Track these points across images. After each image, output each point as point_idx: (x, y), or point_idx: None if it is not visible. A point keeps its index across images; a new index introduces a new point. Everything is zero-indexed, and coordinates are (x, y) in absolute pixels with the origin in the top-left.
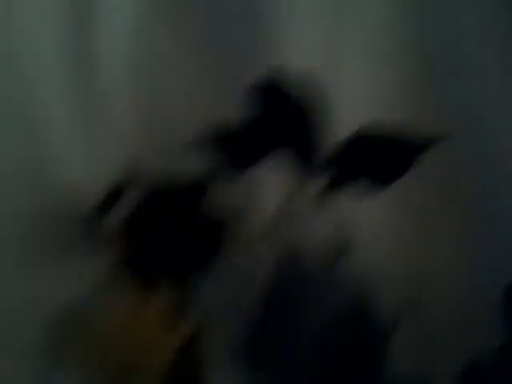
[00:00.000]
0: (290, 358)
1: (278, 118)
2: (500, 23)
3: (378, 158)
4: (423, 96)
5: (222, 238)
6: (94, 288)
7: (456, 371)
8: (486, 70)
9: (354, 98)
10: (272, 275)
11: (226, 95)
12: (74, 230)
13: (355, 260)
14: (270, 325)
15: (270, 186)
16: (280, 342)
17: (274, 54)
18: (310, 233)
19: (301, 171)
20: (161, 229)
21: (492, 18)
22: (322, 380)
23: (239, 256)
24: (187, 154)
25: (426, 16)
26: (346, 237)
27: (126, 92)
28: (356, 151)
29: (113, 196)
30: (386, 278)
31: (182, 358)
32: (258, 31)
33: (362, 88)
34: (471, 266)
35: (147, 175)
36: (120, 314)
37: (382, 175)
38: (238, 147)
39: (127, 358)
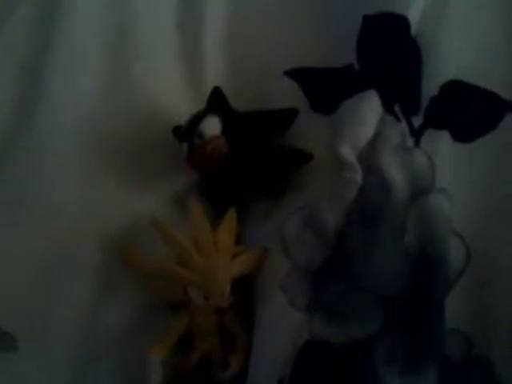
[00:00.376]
0: (364, 274)
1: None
2: None
3: (469, 109)
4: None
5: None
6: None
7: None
8: None
9: (457, 48)
10: (360, 197)
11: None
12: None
13: (439, 197)
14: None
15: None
16: (358, 259)
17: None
18: (397, 168)
19: (401, 110)
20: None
21: None
22: (386, 305)
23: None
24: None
25: None
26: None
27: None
28: (449, 99)
29: (194, 122)
30: (460, 228)
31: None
32: None
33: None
34: None
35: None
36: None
37: (472, 127)
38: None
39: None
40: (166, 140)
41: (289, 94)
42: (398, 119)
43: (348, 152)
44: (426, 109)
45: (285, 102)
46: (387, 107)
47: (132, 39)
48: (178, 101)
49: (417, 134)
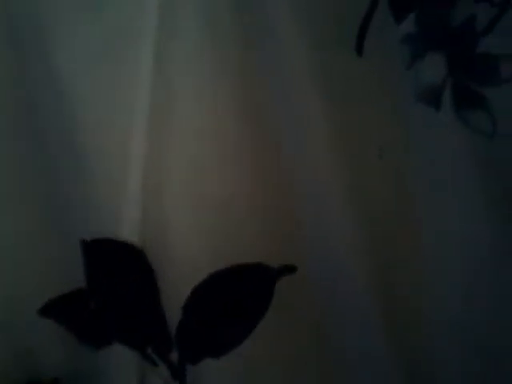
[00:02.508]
0: None
1: (116, 281)
2: None
3: (225, 311)
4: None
5: None
6: None
7: None
8: None
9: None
10: None
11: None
12: None
13: None
14: None
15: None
16: None
17: None
18: None
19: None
20: None
21: None
22: None
23: None
24: None
25: None
26: None
27: None
28: (198, 313)
29: None
30: None
31: None
32: None
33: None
34: None
35: None
36: None
37: (234, 331)
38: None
39: None
40: None
41: None
42: (155, 363)
43: None
44: (176, 341)
45: None
46: (140, 353)
47: None
48: None
49: (179, 374)
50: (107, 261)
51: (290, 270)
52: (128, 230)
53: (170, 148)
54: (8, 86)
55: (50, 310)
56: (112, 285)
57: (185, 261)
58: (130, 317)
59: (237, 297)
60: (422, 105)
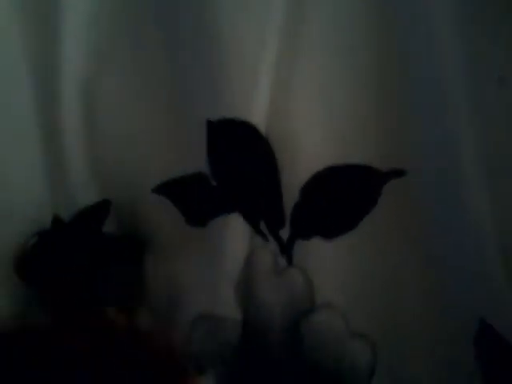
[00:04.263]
0: None
1: (237, 165)
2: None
3: (338, 200)
4: (382, 133)
5: None
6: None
7: None
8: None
9: (312, 139)
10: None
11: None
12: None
13: (323, 314)
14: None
15: (233, 240)
16: None
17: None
18: (273, 293)
19: (262, 227)
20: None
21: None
22: None
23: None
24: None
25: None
26: (311, 293)
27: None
28: (316, 196)
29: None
30: (357, 327)
31: None
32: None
33: (318, 128)
34: (438, 307)
35: None
36: None
37: (344, 219)
38: (193, 202)
39: None
40: None
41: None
42: (266, 238)
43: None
44: (291, 219)
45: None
46: (253, 227)
47: None
48: None
49: (287, 249)
50: (231, 141)
51: (398, 173)
52: (255, 117)
53: (300, 55)
54: None
55: (166, 188)
56: (234, 163)
57: (307, 150)
58: (249, 192)
59: (348, 191)
60: None
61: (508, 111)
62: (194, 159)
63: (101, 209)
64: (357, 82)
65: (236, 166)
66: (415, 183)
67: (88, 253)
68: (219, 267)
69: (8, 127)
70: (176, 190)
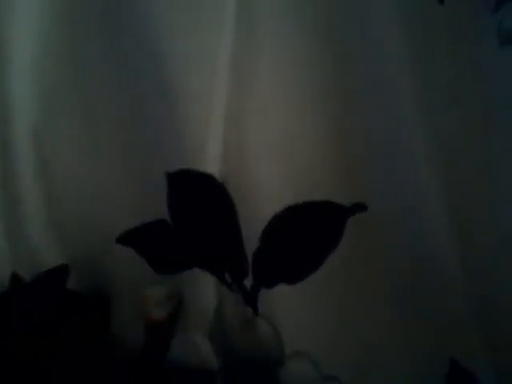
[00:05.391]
0: None
1: (198, 212)
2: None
3: (300, 240)
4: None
5: None
6: None
7: None
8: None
9: (269, 179)
10: None
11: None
12: None
13: (295, 362)
14: None
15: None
16: None
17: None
18: (245, 344)
19: (227, 277)
20: None
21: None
22: None
23: None
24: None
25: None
26: (279, 342)
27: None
28: (275, 240)
29: None
30: (329, 369)
31: None
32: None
33: (275, 166)
34: (409, 346)
35: None
36: None
37: (308, 260)
38: (157, 251)
39: None
40: None
41: None
42: (232, 288)
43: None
44: (252, 268)
45: None
46: (218, 278)
47: None
48: None
49: (251, 299)
50: (190, 191)
51: (360, 208)
52: (211, 165)
53: (251, 93)
54: (97, 35)
55: (129, 237)
56: (194, 213)
57: (263, 193)
58: (210, 243)
59: (311, 230)
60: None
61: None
62: (156, 208)
63: (61, 271)
64: (314, 116)
65: (195, 217)
66: (378, 217)
67: (50, 310)
68: (193, 318)
69: None
70: (140, 238)
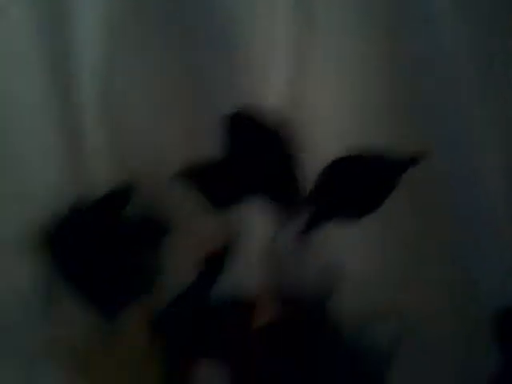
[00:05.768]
0: None
1: (254, 153)
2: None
3: (357, 185)
4: (398, 119)
5: None
6: None
7: None
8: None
9: (329, 127)
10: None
11: (202, 125)
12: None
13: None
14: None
15: (253, 223)
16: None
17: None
18: (296, 272)
19: (283, 209)
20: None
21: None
22: None
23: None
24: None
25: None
26: (332, 276)
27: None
28: (334, 181)
29: None
30: (379, 310)
31: None
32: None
33: (336, 116)
34: (459, 291)
35: None
36: None
37: (365, 202)
38: (215, 186)
39: None
40: None
41: None
42: (288, 220)
43: None
44: (310, 201)
45: None
46: (275, 209)
47: None
48: None
49: (308, 230)
50: (247, 128)
51: (414, 161)
52: (273, 101)
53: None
54: None
55: (188, 173)
56: (250, 154)
57: (324, 135)
58: (268, 175)
59: (366, 179)
60: None
61: None
62: (212, 146)
63: (123, 194)
64: (373, 70)
65: (253, 152)
66: (433, 169)
67: (109, 235)
68: (245, 248)
69: (23, 110)
70: (197, 174)
